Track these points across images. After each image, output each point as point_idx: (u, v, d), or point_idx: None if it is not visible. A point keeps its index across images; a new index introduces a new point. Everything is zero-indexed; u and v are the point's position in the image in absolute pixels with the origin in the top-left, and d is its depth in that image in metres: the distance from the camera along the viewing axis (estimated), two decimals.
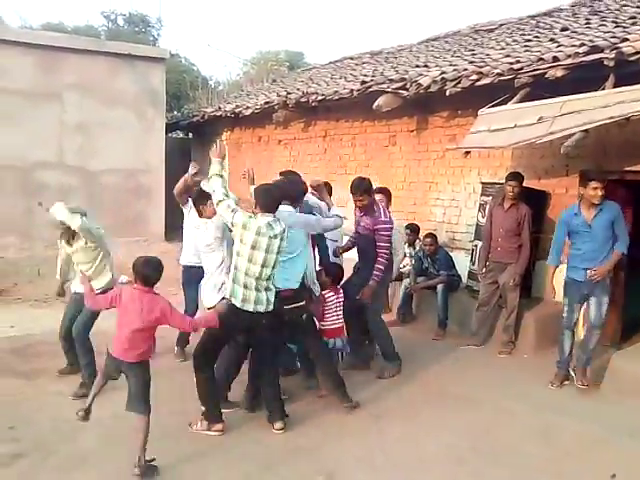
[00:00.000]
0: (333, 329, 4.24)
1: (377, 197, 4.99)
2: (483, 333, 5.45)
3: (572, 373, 4.40)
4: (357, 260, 4.76)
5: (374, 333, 4.61)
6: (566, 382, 4.44)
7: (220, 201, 3.51)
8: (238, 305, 3.48)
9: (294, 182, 4.03)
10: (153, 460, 3.15)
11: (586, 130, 4.33)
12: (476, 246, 5.81)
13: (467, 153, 5.56)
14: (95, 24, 17.84)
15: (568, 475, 3.21)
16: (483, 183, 6.00)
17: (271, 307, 3.54)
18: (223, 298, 3.73)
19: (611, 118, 4.18)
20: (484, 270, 5.42)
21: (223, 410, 3.69)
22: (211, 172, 3.63)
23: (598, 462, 3.33)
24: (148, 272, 3.11)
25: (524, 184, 5.32)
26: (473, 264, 5.84)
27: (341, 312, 4.29)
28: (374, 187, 5.18)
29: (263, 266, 3.44)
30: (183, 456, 3.30)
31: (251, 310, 3.48)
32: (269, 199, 3.52)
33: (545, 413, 3.95)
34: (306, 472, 3.16)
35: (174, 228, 9.02)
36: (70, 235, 4.16)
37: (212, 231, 3.96)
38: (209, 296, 4.00)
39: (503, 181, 5.35)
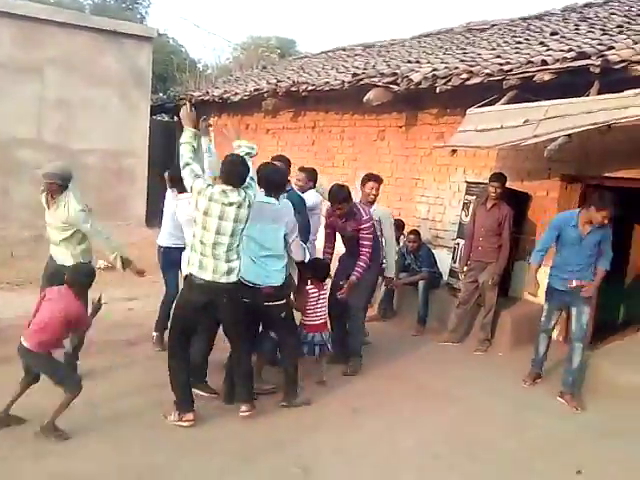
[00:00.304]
0: (316, 324, 4.23)
1: (370, 184, 5.00)
2: (461, 330, 5.52)
3: (561, 399, 4.23)
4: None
5: (351, 329, 4.61)
6: (538, 380, 4.54)
7: (186, 164, 3.48)
8: (195, 273, 3.41)
9: (279, 171, 3.98)
10: (62, 432, 3.27)
11: (569, 135, 4.39)
12: (458, 244, 5.87)
13: (454, 152, 5.60)
14: None
15: (538, 471, 3.31)
16: (468, 182, 6.05)
17: (233, 279, 3.44)
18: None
19: (594, 124, 4.24)
20: (465, 268, 5.49)
21: (202, 393, 3.67)
22: (182, 139, 3.55)
23: (568, 459, 3.42)
24: (74, 277, 3.40)
25: (507, 185, 5.38)
26: (454, 262, 5.91)
27: (324, 307, 4.29)
28: (365, 174, 5.20)
29: (218, 233, 3.37)
30: (158, 448, 3.29)
31: (209, 279, 3.39)
32: (232, 171, 3.42)
33: (519, 410, 4.04)
34: (282, 465, 3.17)
35: (155, 214, 8.89)
36: (51, 196, 3.93)
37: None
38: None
39: (487, 181, 5.41)
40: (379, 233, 4.83)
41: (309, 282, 4.19)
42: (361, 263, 4.40)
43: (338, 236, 4.73)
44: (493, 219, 5.24)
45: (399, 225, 6.28)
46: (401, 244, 6.18)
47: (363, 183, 5.08)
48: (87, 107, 8.82)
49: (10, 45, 8.24)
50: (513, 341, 5.28)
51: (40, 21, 8.37)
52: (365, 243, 4.42)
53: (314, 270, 4.18)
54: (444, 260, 6.08)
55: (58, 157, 8.59)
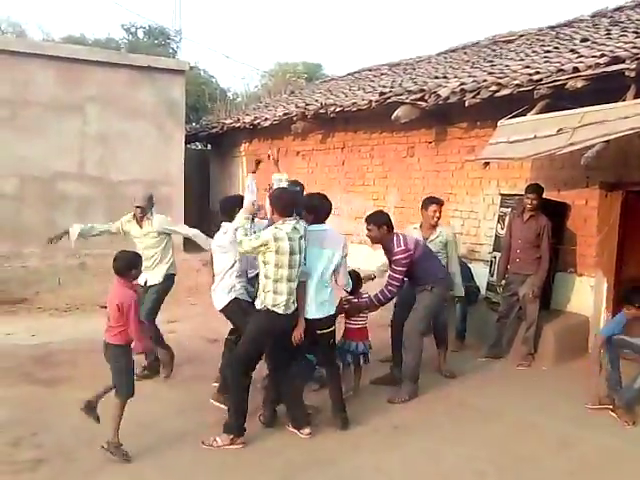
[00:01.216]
0: (358, 329, 4.29)
1: (433, 208, 4.90)
2: (502, 345, 5.37)
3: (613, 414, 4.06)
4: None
5: (406, 348, 4.36)
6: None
7: (241, 241, 3.59)
8: (281, 312, 3.52)
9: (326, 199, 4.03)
10: (121, 445, 3.33)
11: (607, 141, 4.30)
12: (495, 257, 5.76)
13: (486, 164, 5.55)
14: (115, 37, 18.24)
15: None
16: (502, 194, 5.97)
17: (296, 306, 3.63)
18: (235, 299, 3.92)
19: (632, 129, 4.15)
20: (503, 282, 5.37)
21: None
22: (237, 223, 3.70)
23: (620, 475, 3.27)
24: (115, 264, 3.51)
25: (544, 195, 5.28)
26: (492, 276, 5.80)
27: (365, 315, 4.35)
28: (427, 197, 5.13)
29: (297, 267, 3.57)
30: (202, 467, 3.31)
31: (290, 313, 3.58)
32: (284, 204, 3.61)
33: (565, 426, 3.90)
34: None
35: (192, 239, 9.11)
36: (143, 217, 4.69)
37: (230, 234, 4.01)
38: (220, 298, 4.03)
39: (522, 192, 5.33)
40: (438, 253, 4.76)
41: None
42: (385, 292, 4.24)
43: None
44: (531, 231, 5.14)
45: None
46: None
47: (425, 206, 4.97)
48: (125, 140, 9.17)
49: (54, 85, 8.68)
50: (557, 355, 5.12)
51: (80, 61, 8.81)
52: (395, 272, 4.21)
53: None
54: (481, 274, 5.97)
55: (100, 189, 9.02)
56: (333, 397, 3.88)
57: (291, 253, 3.49)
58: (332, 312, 3.83)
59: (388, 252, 4.33)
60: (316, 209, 3.87)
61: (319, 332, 3.75)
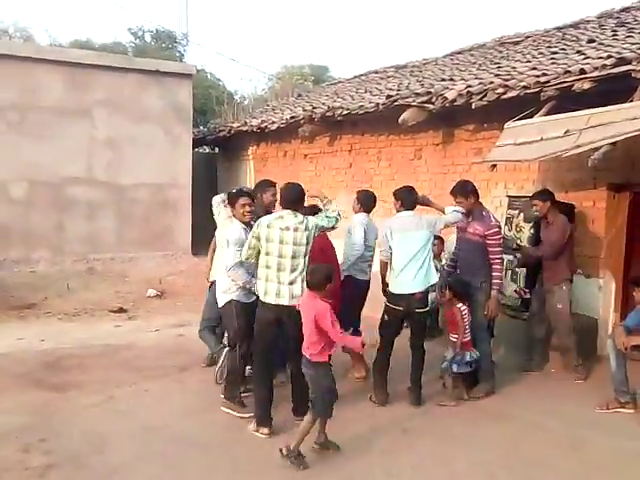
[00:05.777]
0: (468, 341, 4.32)
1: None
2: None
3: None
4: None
5: (480, 351, 4.40)
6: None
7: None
8: (262, 299, 3.69)
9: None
10: (300, 454, 3.32)
11: (614, 143, 4.27)
12: (502, 259, 5.70)
13: (493, 166, 5.54)
14: (122, 41, 18.40)
15: None
16: (510, 196, 5.95)
17: (295, 301, 3.56)
18: (231, 301, 4.02)
19: (639, 131, 4.12)
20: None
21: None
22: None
23: (632, 477, 3.26)
24: (310, 280, 3.43)
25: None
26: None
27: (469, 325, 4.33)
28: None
29: (280, 257, 3.60)
30: (214, 469, 3.32)
31: (273, 303, 3.64)
32: (285, 196, 3.77)
33: (576, 428, 3.88)
34: None
35: (200, 242, 9.17)
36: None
37: (237, 228, 4.07)
38: (219, 297, 4.17)
39: (530, 194, 5.29)
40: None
41: (457, 300, 4.31)
42: (499, 273, 4.39)
43: None
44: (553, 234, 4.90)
45: (442, 241, 6.18)
46: (443, 261, 6.09)
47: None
48: (133, 144, 9.24)
49: (62, 90, 8.77)
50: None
51: (88, 66, 8.89)
52: (495, 250, 4.40)
53: (462, 287, 4.34)
54: None
55: (109, 193, 9.09)
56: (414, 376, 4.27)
57: (267, 240, 3.63)
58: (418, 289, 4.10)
59: (475, 223, 4.47)
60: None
61: (417, 310, 4.14)
